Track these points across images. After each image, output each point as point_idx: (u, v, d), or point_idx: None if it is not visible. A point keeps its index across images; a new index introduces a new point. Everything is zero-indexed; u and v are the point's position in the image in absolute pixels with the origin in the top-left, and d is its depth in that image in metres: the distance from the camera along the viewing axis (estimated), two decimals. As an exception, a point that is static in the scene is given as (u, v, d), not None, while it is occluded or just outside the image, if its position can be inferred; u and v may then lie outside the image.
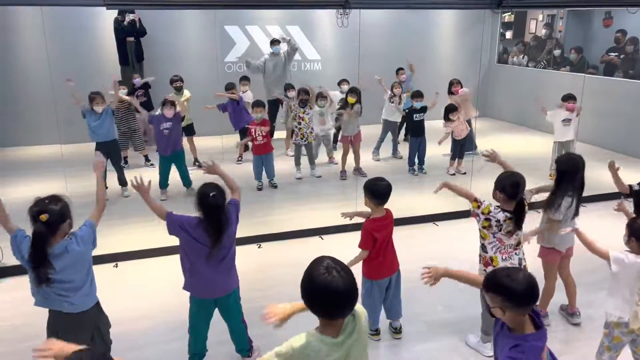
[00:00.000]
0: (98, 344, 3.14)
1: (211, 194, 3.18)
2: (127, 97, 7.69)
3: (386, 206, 3.85)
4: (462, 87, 8.49)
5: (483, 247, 3.65)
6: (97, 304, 3.20)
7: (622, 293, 3.14)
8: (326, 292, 1.95)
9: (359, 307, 2.15)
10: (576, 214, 3.91)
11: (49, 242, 2.86)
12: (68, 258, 2.92)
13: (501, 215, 3.50)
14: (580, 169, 3.86)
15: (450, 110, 7.69)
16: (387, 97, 8.47)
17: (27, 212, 2.87)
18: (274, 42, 9.19)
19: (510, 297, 2.20)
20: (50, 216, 2.82)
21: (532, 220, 4.08)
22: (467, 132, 7.84)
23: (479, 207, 3.57)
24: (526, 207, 3.55)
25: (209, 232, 3.22)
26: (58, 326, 3.04)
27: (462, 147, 7.93)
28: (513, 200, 3.48)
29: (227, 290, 3.45)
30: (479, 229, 3.63)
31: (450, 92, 8.50)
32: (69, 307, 3.00)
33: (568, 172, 3.85)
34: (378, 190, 3.70)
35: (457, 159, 7.99)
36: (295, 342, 2.07)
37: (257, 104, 7.22)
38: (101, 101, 6.50)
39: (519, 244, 3.63)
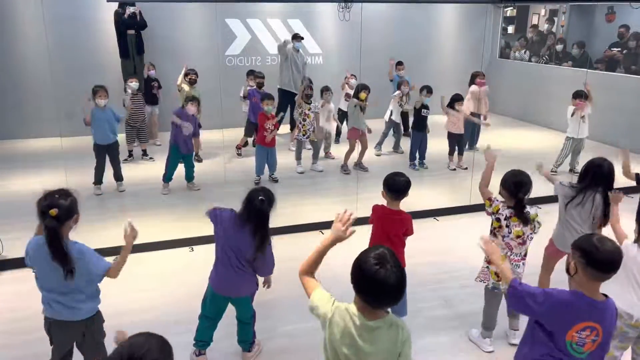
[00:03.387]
0: (88, 341, 3.10)
1: (259, 198, 3.26)
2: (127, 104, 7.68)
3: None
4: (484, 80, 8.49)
5: None
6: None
7: (621, 283, 3.09)
8: (374, 283, 1.96)
9: (406, 335, 2.13)
10: (604, 222, 3.81)
11: (61, 234, 2.82)
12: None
13: (507, 211, 3.58)
14: (604, 171, 3.77)
15: (456, 100, 7.68)
16: (396, 99, 8.28)
17: (35, 205, 2.83)
18: (296, 38, 9.12)
19: (586, 255, 2.32)
20: (60, 210, 2.78)
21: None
22: (461, 129, 7.83)
23: (490, 205, 3.66)
24: (526, 208, 3.55)
25: (248, 232, 3.29)
26: (49, 323, 3.04)
27: (459, 142, 7.93)
28: (514, 199, 3.54)
29: (239, 294, 3.50)
30: (490, 231, 3.68)
31: (472, 83, 8.46)
32: (51, 313, 2.97)
33: (590, 171, 3.81)
34: (395, 185, 3.74)
35: (457, 155, 7.98)
36: (332, 300, 2.16)
37: (268, 96, 7.13)
38: (104, 95, 6.44)
39: (525, 254, 3.67)
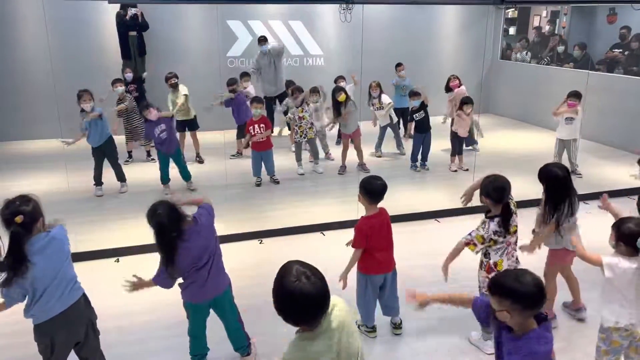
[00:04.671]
0: (91, 338, 3.11)
1: (157, 212, 3.07)
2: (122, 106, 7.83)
3: (387, 202, 3.83)
4: (460, 83, 8.48)
5: (486, 254, 3.65)
6: (84, 295, 3.16)
7: (617, 298, 3.09)
8: (297, 300, 1.91)
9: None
10: (573, 212, 3.80)
11: (26, 241, 2.82)
12: (51, 248, 2.89)
13: (493, 226, 3.50)
14: (559, 178, 3.70)
15: (465, 102, 7.67)
16: (369, 104, 8.33)
17: None
18: (261, 41, 9.03)
19: (519, 300, 2.18)
20: (25, 217, 2.79)
21: (527, 217, 4.05)
22: (466, 133, 7.83)
23: (476, 245, 3.58)
24: (513, 209, 3.54)
25: (161, 249, 3.12)
26: (51, 329, 3.00)
27: (461, 143, 7.93)
28: (499, 204, 3.50)
29: (219, 290, 3.43)
30: (483, 254, 3.64)
31: (447, 88, 8.49)
32: (59, 307, 2.98)
33: (550, 182, 3.75)
34: (372, 189, 3.70)
35: (457, 155, 7.97)
36: (293, 352, 2.03)
37: (256, 100, 7.20)
38: (89, 98, 6.45)
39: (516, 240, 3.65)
